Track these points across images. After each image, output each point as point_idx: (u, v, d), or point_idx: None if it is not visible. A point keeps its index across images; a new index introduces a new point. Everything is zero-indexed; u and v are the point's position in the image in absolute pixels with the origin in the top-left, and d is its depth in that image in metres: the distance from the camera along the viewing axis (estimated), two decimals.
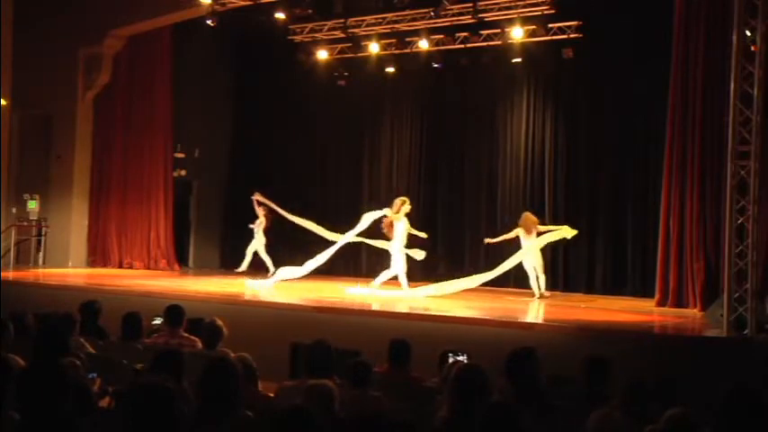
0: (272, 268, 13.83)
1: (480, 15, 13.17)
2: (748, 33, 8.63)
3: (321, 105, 16.44)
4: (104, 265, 15.96)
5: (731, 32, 8.76)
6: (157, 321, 7.85)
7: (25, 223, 15.84)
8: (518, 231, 12.13)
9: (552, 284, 13.11)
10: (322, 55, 15.25)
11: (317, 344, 5.26)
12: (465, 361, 5.89)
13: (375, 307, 10.96)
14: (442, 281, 12.21)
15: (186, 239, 17.05)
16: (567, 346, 7.92)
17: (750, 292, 8.47)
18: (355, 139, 16.30)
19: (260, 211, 14.22)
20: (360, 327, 9.26)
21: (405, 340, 6.16)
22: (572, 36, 13.10)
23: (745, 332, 8.35)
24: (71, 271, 15.10)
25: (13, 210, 16.08)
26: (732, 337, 8.34)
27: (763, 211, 9.13)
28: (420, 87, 15.53)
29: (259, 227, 14.37)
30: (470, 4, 13.12)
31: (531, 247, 11.94)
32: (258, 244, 14.44)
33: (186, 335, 6.91)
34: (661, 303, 11.12)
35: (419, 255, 12.26)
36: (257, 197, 14.00)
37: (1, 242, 15.11)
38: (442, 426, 3.96)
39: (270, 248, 14.57)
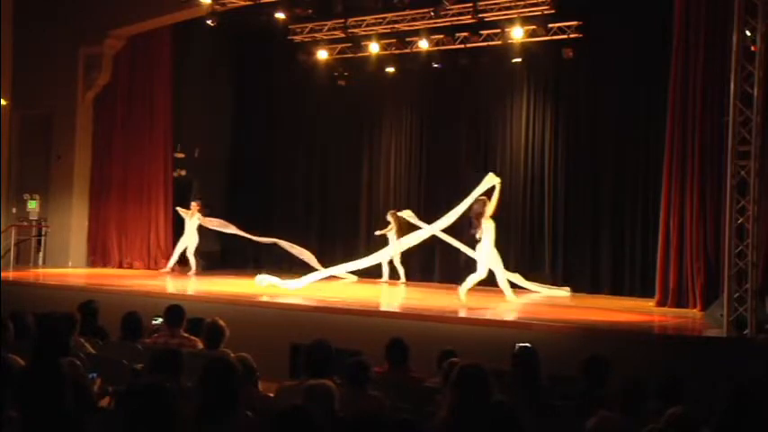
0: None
1: (480, 15, 13.18)
2: (748, 33, 8.63)
3: (321, 105, 16.43)
4: (104, 265, 15.95)
5: (731, 32, 8.76)
6: (157, 321, 7.85)
7: (25, 223, 15.82)
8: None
9: (553, 284, 13.10)
10: (322, 55, 15.23)
11: (317, 344, 5.26)
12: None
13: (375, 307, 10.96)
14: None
15: None
16: (566, 346, 7.92)
17: (750, 292, 8.47)
18: (355, 139, 16.27)
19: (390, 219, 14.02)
20: (360, 327, 9.25)
21: (402, 340, 6.17)
22: (572, 36, 13.10)
23: (745, 332, 8.35)
24: (71, 271, 15.08)
25: (13, 210, 16.07)
26: (732, 337, 8.34)
27: (763, 211, 9.12)
28: (420, 87, 15.51)
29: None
30: (470, 4, 13.12)
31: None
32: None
33: (186, 335, 6.91)
34: (661, 303, 11.11)
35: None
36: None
37: (1, 242, 15.09)
38: (441, 426, 3.96)
39: None
